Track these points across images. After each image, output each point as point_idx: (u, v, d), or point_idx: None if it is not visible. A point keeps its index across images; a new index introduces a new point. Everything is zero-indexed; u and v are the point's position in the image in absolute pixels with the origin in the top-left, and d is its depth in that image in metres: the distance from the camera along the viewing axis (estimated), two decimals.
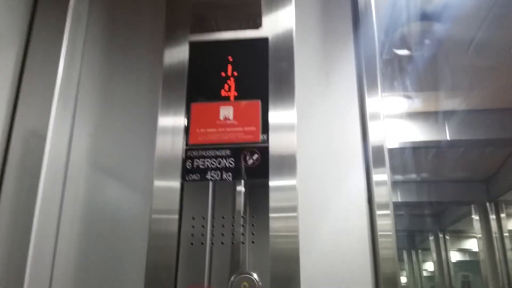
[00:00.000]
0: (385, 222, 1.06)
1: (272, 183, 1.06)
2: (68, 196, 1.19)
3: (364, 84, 1.19)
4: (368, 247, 1.07)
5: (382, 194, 1.09)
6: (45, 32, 1.22)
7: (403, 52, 2.68)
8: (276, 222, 1.03)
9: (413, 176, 5.06)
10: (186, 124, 1.14)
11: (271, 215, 1.04)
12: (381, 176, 1.11)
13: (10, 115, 1.16)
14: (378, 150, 1.13)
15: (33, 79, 1.19)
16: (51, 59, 1.19)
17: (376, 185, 1.10)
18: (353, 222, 1.10)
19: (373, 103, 1.18)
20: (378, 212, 1.07)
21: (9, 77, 1.18)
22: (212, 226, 1.06)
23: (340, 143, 1.17)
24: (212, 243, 1.06)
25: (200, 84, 1.17)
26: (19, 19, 1.22)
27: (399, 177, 4.93)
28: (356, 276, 1.08)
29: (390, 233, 1.05)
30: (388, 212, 1.07)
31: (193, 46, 1.20)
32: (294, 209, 1.05)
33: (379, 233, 1.05)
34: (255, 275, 1.03)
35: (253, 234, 1.06)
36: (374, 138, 1.14)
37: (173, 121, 1.14)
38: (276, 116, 1.11)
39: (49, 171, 1.13)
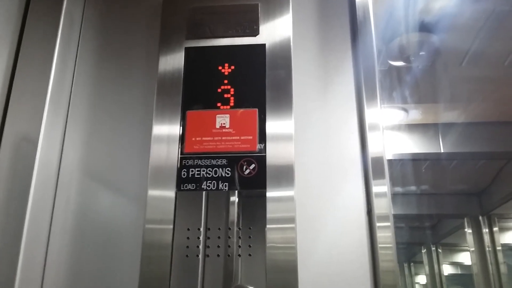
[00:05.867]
0: (385, 234, 1.04)
1: (269, 193, 1.04)
2: (59, 203, 1.17)
3: (363, 94, 1.18)
4: (368, 260, 1.05)
5: (382, 205, 1.07)
6: (37, 36, 1.20)
7: (398, 63, 2.68)
8: (273, 233, 1.01)
9: (406, 188, 5.06)
10: (182, 132, 1.11)
11: (268, 226, 1.01)
12: (380, 187, 1.09)
13: (0, 120, 1.14)
14: (378, 161, 1.12)
15: (24, 84, 1.16)
16: (43, 63, 1.17)
17: (375, 196, 1.08)
18: (352, 234, 1.08)
19: (372, 113, 1.16)
20: (378, 224, 1.05)
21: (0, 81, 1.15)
22: (208, 238, 1.04)
23: (338, 154, 1.15)
24: (208, 256, 1.03)
25: (196, 91, 1.15)
26: (11, 22, 1.20)
27: (392, 189, 4.93)
28: None
29: (391, 245, 1.03)
30: (388, 224, 1.05)
31: (189, 52, 1.18)
32: (292, 220, 1.02)
33: (379, 245, 1.03)
34: None
35: (249, 246, 1.03)
36: (373, 149, 1.13)
37: (168, 129, 1.12)
38: (273, 125, 1.09)
39: (40, 177, 1.11)
